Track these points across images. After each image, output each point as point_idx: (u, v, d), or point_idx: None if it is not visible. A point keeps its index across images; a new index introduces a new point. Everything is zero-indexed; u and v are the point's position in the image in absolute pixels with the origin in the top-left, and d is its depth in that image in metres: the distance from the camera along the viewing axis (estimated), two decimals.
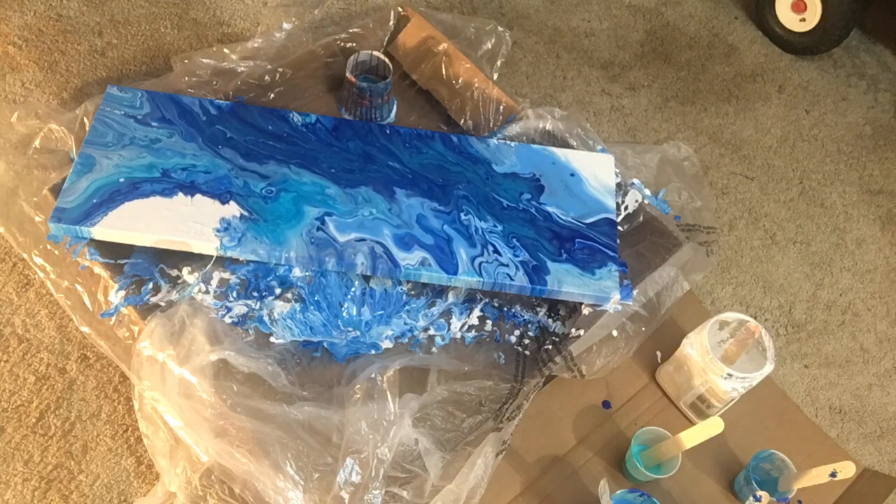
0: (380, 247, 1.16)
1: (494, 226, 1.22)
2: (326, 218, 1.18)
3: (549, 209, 1.25)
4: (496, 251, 1.18)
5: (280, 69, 1.39)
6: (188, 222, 1.13)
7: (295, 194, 1.19)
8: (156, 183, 1.16)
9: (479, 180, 1.27)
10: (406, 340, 1.17)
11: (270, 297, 1.15)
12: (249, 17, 1.65)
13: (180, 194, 1.16)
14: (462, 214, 1.22)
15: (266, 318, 1.14)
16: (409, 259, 1.16)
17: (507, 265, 1.17)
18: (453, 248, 1.18)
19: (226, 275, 1.16)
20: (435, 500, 1.02)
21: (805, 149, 1.76)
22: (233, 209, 1.15)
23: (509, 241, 1.20)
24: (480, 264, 1.17)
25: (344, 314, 1.16)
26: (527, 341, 1.20)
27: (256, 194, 1.18)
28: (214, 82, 1.36)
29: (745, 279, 1.53)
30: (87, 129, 1.21)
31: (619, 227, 1.29)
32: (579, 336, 1.17)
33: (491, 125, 1.39)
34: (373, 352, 1.14)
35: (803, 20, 1.85)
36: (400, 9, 1.49)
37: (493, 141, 1.33)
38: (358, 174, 1.24)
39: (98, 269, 1.14)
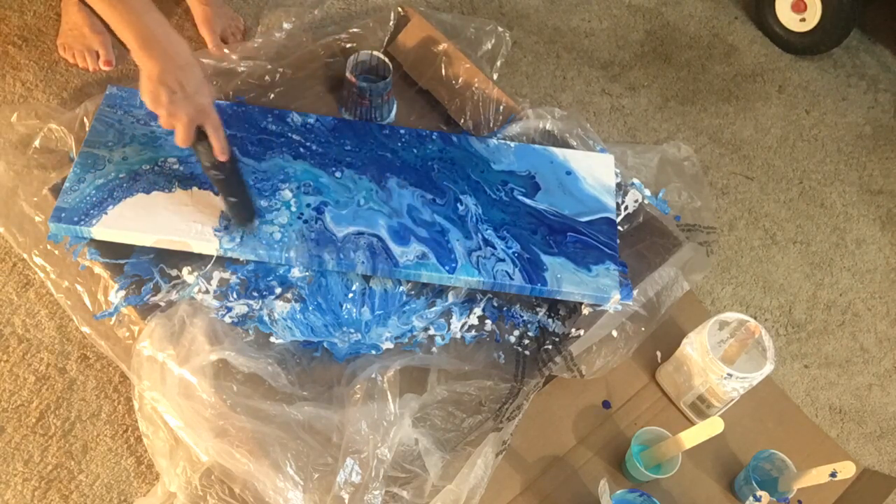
0: (378, 242, 1.16)
1: (487, 219, 1.22)
2: (324, 208, 1.18)
3: (543, 206, 1.26)
4: (490, 244, 1.19)
5: (280, 69, 1.39)
6: (188, 222, 1.13)
7: (291, 187, 1.19)
8: (154, 175, 1.16)
9: (475, 176, 1.27)
10: (406, 340, 1.17)
11: (271, 297, 1.15)
12: (249, 17, 1.65)
13: (179, 189, 1.16)
14: (458, 206, 1.23)
15: (266, 318, 1.14)
16: (407, 254, 1.16)
17: (503, 260, 1.18)
18: (449, 240, 1.18)
19: (226, 275, 1.16)
20: (435, 500, 1.02)
21: (805, 149, 1.76)
22: None
23: (501, 234, 1.20)
24: (478, 259, 1.17)
25: (344, 315, 1.16)
26: (527, 341, 1.20)
27: (254, 188, 1.18)
28: (214, 82, 1.36)
29: (745, 279, 1.53)
30: (87, 129, 1.22)
31: (619, 227, 1.29)
32: (579, 336, 1.17)
33: (491, 125, 1.39)
34: (373, 352, 1.14)
35: (803, 20, 1.85)
36: (400, 9, 1.49)
37: (493, 141, 1.33)
38: (355, 167, 1.24)
39: (98, 269, 1.14)
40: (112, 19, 0.97)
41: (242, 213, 1.14)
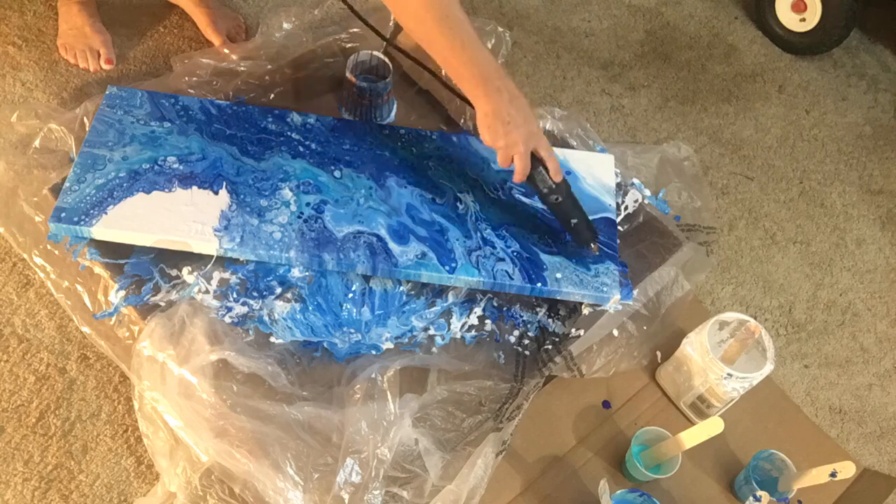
0: (378, 241, 1.16)
1: (486, 218, 1.22)
2: (323, 207, 1.18)
3: (542, 205, 1.26)
4: (489, 243, 1.19)
5: (280, 69, 1.39)
6: (188, 222, 1.13)
7: (291, 185, 1.20)
8: (154, 174, 1.16)
9: (473, 175, 1.27)
10: (406, 340, 1.17)
11: (271, 297, 1.15)
12: (249, 17, 1.65)
13: (179, 189, 1.16)
14: (457, 205, 1.23)
15: (266, 318, 1.14)
16: (406, 253, 1.16)
17: (503, 259, 1.18)
18: (449, 239, 1.18)
19: (226, 275, 1.16)
20: (435, 500, 1.02)
21: (805, 149, 1.76)
22: (231, 203, 1.16)
23: (500, 233, 1.20)
24: (477, 258, 1.17)
25: (344, 315, 1.16)
26: (527, 341, 1.20)
27: (253, 187, 1.18)
28: (214, 82, 1.36)
29: (745, 279, 1.53)
30: (87, 129, 1.22)
31: (619, 227, 1.29)
32: (579, 336, 1.17)
33: None
34: (373, 352, 1.14)
35: (803, 20, 1.85)
36: None
37: None
38: (354, 166, 1.24)
39: (98, 269, 1.14)
40: (452, 61, 1.04)
41: (585, 232, 1.17)
